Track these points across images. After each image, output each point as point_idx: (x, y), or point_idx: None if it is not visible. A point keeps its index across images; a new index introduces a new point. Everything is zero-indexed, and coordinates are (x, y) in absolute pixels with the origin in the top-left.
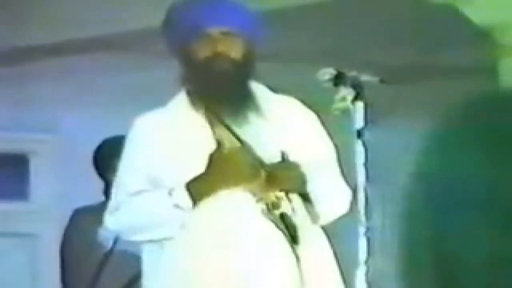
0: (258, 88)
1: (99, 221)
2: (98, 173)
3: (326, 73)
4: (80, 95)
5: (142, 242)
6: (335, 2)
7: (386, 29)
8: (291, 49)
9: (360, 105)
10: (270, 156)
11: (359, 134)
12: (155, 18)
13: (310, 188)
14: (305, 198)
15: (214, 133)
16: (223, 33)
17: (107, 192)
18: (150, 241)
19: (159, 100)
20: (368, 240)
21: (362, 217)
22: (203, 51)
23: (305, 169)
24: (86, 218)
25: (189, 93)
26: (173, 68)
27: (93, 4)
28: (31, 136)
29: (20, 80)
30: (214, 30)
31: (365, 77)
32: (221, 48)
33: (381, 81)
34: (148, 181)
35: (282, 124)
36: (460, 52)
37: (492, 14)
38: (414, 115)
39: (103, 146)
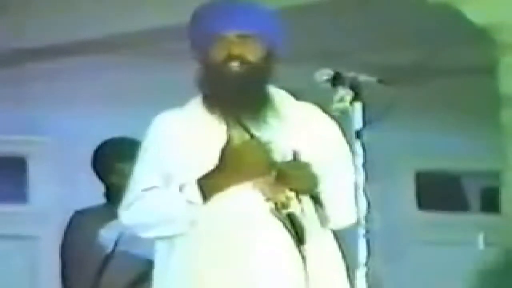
0: (277, 93)
1: (99, 223)
2: (97, 175)
3: (324, 74)
4: (79, 96)
5: (154, 238)
6: (334, 3)
7: (385, 29)
8: (290, 49)
9: (358, 105)
10: (286, 159)
11: (358, 134)
12: (156, 19)
13: (323, 192)
14: (316, 200)
15: (228, 131)
16: (239, 36)
17: (108, 194)
18: (163, 237)
19: (159, 101)
20: (368, 241)
21: (362, 218)
22: (219, 54)
23: (319, 173)
24: (87, 219)
25: (205, 96)
26: (174, 70)
27: (92, 6)
28: (29, 138)
29: (18, 81)
30: (230, 34)
31: (363, 78)
32: (235, 51)
33: (379, 81)
34: (162, 178)
35: (300, 128)
36: (459, 52)
37: (491, 13)
38: (413, 115)
39: (102, 148)
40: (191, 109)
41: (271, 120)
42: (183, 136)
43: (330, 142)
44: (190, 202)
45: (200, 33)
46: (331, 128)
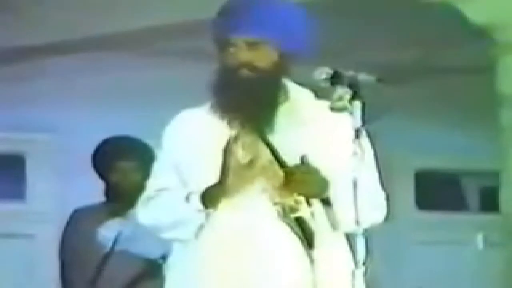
0: (299, 92)
1: (98, 221)
2: (98, 173)
3: (323, 73)
4: (77, 95)
5: (169, 240)
6: (333, 2)
7: (385, 28)
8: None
9: (357, 104)
10: (298, 160)
11: (357, 133)
12: (154, 18)
13: (335, 195)
14: (326, 203)
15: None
16: (248, 43)
17: (108, 192)
18: (177, 240)
19: (160, 100)
20: (367, 240)
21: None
22: (228, 60)
23: (333, 175)
24: (86, 218)
25: (216, 100)
26: (172, 69)
27: (91, 5)
28: (27, 136)
29: (16, 80)
30: (238, 40)
31: (362, 76)
32: (245, 58)
33: (378, 80)
34: (176, 178)
35: (316, 129)
36: (458, 51)
37: (490, 12)
38: (412, 114)
39: (102, 147)
40: (206, 110)
41: (285, 120)
42: (197, 138)
43: (345, 143)
44: (197, 211)
45: (214, 37)
46: (349, 129)
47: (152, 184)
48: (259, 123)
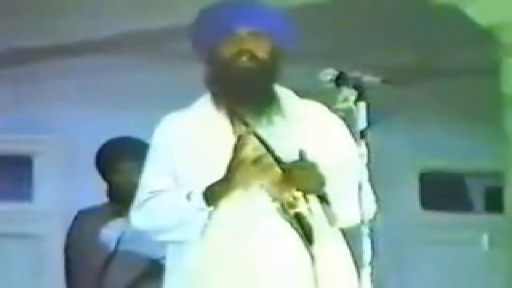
0: (283, 92)
1: (102, 222)
2: (101, 174)
3: (328, 74)
4: (83, 95)
5: (167, 242)
6: (335, 3)
7: (388, 29)
8: (291, 49)
9: (362, 105)
10: (291, 157)
11: (362, 134)
12: (161, 19)
13: (331, 191)
14: (323, 199)
15: (235, 132)
16: (251, 33)
17: (110, 193)
18: (175, 242)
19: (162, 101)
20: (373, 240)
21: (367, 217)
22: (229, 50)
23: (327, 171)
24: (90, 219)
25: (213, 94)
26: (178, 70)
27: (92, 6)
28: (34, 137)
29: (23, 80)
30: (242, 30)
31: (367, 78)
32: (247, 46)
33: (383, 81)
34: (170, 179)
35: (306, 127)
36: (462, 52)
37: (494, 13)
38: (417, 115)
39: (105, 148)
40: (198, 109)
41: (276, 118)
42: (190, 137)
43: (338, 140)
44: (200, 209)
45: (209, 30)
46: (338, 126)
47: (145, 186)
48: (260, 115)
